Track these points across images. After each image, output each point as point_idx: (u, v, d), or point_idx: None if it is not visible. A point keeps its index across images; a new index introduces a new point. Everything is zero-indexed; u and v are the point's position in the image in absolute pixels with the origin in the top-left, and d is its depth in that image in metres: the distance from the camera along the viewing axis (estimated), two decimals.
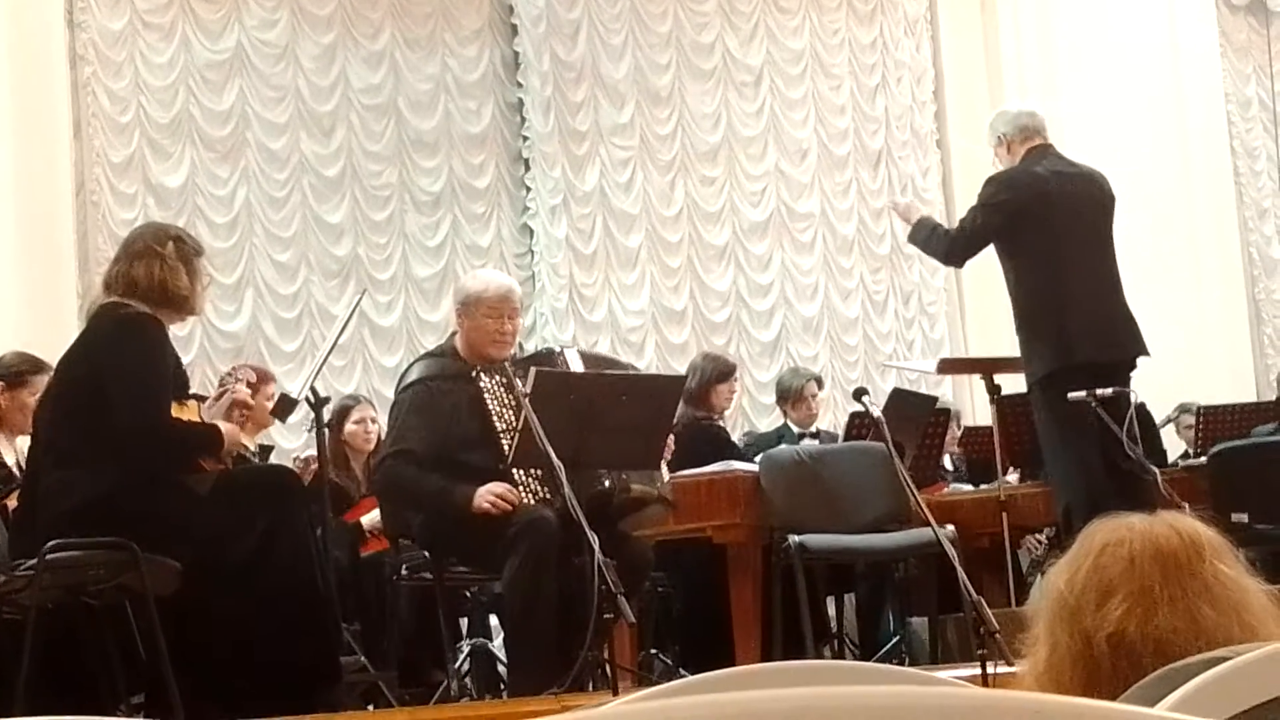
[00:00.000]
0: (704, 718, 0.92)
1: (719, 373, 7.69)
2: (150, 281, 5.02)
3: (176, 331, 5.36)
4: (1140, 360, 6.68)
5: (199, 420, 5.15)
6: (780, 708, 0.92)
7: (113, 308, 5.05)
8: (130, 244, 5.20)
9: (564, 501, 5.12)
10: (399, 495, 5.73)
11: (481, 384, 5.61)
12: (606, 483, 5.61)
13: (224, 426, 5.11)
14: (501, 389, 5.61)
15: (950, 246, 6.84)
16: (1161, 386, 6.88)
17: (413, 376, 5.79)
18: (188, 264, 5.10)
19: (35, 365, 5.83)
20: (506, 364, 5.66)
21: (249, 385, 5.45)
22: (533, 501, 5.47)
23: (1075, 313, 6.46)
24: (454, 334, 5.89)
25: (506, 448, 5.46)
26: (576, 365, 5.87)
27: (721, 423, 7.89)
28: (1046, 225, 6.53)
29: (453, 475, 5.53)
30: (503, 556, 5.37)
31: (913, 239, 7.06)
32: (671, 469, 6.17)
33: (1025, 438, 7.23)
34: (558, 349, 6.38)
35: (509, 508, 5.40)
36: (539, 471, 5.46)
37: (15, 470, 5.65)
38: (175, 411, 5.04)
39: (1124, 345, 6.61)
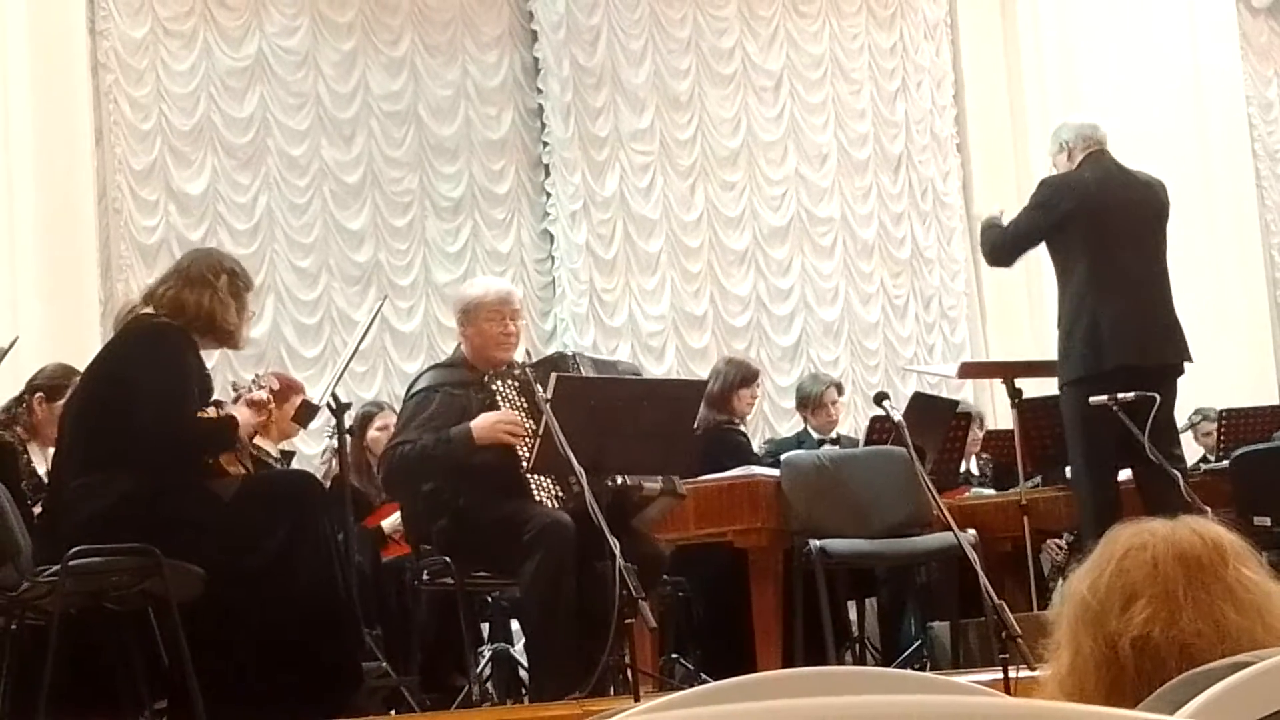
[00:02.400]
0: None
1: (742, 378, 7.68)
2: (199, 310, 5.02)
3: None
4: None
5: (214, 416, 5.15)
6: (802, 717, 0.92)
7: (143, 317, 5.06)
8: (184, 269, 5.17)
9: (579, 504, 5.12)
10: (404, 473, 5.68)
11: (494, 388, 5.61)
12: (619, 479, 5.58)
13: (238, 415, 5.11)
14: (514, 393, 5.61)
15: (995, 245, 6.82)
16: (1182, 390, 6.82)
17: (420, 385, 5.80)
18: (238, 299, 5.11)
19: (73, 378, 5.79)
20: (526, 368, 5.66)
21: (273, 394, 5.45)
22: (549, 503, 5.47)
23: (1113, 318, 6.42)
24: (459, 346, 5.91)
25: (523, 452, 5.47)
26: (588, 371, 5.87)
27: (742, 427, 7.89)
28: (1095, 230, 6.50)
29: (463, 478, 5.52)
30: (522, 561, 5.37)
31: (980, 241, 7.09)
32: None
33: (1046, 442, 7.21)
34: (569, 353, 6.37)
35: (519, 432, 5.43)
36: (552, 474, 5.47)
37: (46, 479, 5.66)
38: None
39: (1161, 352, 6.55)
